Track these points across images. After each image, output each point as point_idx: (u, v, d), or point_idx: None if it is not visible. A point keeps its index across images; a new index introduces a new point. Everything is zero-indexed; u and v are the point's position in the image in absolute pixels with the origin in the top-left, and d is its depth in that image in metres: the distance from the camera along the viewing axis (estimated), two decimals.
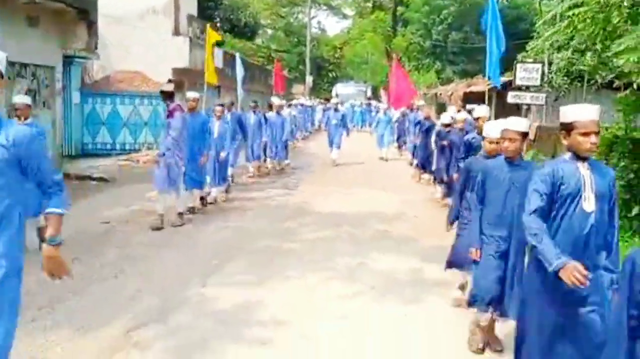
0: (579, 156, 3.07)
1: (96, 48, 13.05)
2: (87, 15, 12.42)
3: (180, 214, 8.01)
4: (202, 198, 9.04)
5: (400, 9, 40.28)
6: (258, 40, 45.34)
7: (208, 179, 9.26)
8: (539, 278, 3.10)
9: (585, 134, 3.00)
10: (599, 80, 9.31)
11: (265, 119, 13.22)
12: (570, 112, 3.09)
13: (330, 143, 15.84)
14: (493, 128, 4.50)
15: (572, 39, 7.00)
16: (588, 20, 6.08)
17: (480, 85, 18.85)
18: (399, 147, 18.22)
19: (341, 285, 5.63)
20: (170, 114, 7.79)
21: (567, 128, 3.07)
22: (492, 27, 9.28)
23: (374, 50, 43.87)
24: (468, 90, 19.46)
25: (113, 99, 16.36)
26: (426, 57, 34.97)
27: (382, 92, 33.60)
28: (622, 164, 7.13)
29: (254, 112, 12.77)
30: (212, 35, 11.42)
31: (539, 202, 3.07)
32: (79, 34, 12.48)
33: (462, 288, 5.06)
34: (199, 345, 4.19)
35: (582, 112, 3.06)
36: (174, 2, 18.62)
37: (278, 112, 13.75)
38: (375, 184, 12.37)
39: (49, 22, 11.75)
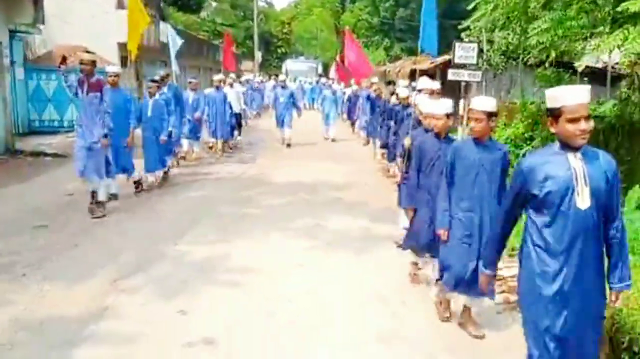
0: (569, 146, 2.72)
1: (43, 22, 13.03)
2: None
3: (101, 203, 7.22)
4: (136, 183, 8.54)
5: None
6: (203, 14, 44.91)
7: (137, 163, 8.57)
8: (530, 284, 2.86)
9: (574, 121, 2.66)
10: (529, 59, 10.21)
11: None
12: (559, 96, 2.72)
13: (280, 123, 15.14)
14: (429, 104, 4.97)
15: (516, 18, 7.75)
16: (511, 5, 6.94)
17: (425, 63, 19.72)
18: (352, 125, 18.19)
19: (300, 241, 6.32)
20: (93, 88, 6.95)
21: (555, 114, 2.71)
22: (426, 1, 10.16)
23: (323, 26, 44.23)
24: (414, 67, 20.31)
25: (57, 74, 16.28)
26: (375, 34, 35.73)
27: (332, 69, 34.12)
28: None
29: (193, 90, 12.16)
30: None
31: (508, 202, 2.96)
32: (26, 8, 12.46)
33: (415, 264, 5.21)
34: (179, 288, 4.83)
35: (570, 95, 2.70)
36: None
37: (217, 88, 13.04)
38: (327, 158, 13.05)
39: None
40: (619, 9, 5.86)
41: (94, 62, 7.21)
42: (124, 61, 17.85)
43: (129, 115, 7.94)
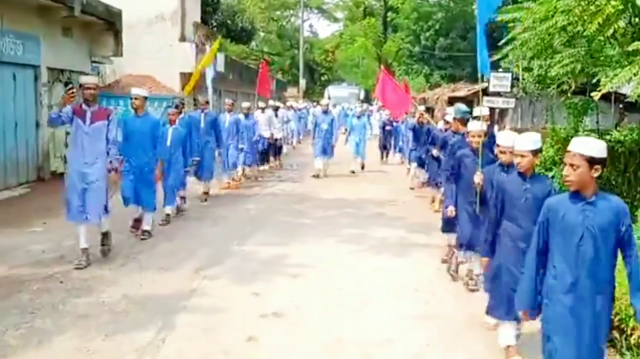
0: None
1: (122, 55, 14.60)
2: (113, 26, 14.01)
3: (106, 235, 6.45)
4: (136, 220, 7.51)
5: (390, 15, 42.02)
6: (252, 44, 46.97)
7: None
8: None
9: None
10: (562, 87, 11.00)
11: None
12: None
13: (322, 151, 13.93)
14: (505, 138, 4.63)
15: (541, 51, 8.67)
16: (538, 41, 7.89)
17: (462, 90, 20.63)
18: (384, 154, 17.96)
19: (347, 246, 7.33)
20: (99, 117, 6.08)
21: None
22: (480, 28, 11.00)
23: (366, 54, 45.56)
24: (452, 94, 21.22)
25: (125, 100, 17.85)
26: (415, 62, 36.70)
27: (374, 95, 35.11)
28: None
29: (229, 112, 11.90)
30: (213, 50, 12.61)
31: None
32: (107, 42, 14.07)
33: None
34: (250, 277, 5.90)
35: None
36: (181, 10, 20.22)
37: (247, 115, 12.66)
38: (366, 180, 14.05)
39: (80, 32, 13.33)
40: (629, 48, 6.74)
41: (97, 86, 6.36)
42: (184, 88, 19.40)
43: (153, 143, 7.29)
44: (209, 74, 13.12)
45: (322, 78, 54.19)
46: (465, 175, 5.48)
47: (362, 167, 15.41)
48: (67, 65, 13.01)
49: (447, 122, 8.72)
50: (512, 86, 13.47)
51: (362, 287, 5.78)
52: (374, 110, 29.63)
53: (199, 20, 22.11)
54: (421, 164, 11.07)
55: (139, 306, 5.09)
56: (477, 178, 4.92)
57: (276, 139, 15.27)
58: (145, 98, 7.35)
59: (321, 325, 4.79)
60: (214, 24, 31.05)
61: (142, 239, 7.26)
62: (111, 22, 13.78)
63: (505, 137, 4.61)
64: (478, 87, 17.69)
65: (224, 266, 6.25)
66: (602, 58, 7.20)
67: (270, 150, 15.39)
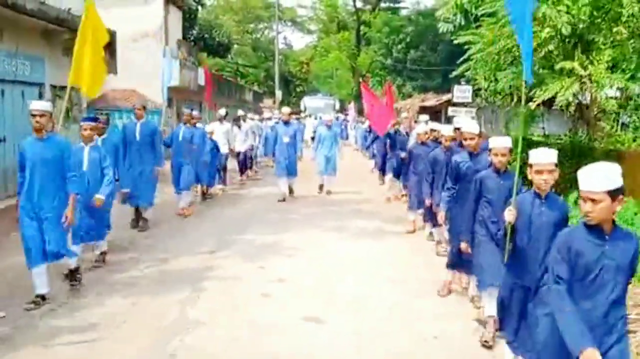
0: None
1: (116, 73, 15.78)
2: (109, 45, 15.20)
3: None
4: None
5: (363, 28, 43.84)
6: (228, 57, 48.27)
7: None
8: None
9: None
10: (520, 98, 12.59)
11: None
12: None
13: (285, 169, 11.81)
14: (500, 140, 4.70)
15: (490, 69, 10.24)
16: (488, 61, 9.51)
17: (431, 100, 22.28)
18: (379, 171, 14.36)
19: (331, 234, 8.73)
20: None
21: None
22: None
23: (340, 66, 47.23)
24: (422, 104, 22.86)
25: (112, 114, 18.88)
26: (388, 74, 38.52)
27: (348, 105, 36.55)
28: None
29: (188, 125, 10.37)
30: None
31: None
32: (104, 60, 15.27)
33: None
34: (255, 256, 7.28)
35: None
36: (164, 29, 21.45)
37: (194, 126, 10.54)
38: (346, 183, 15.41)
39: None
40: (557, 66, 8.34)
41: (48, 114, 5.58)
42: (169, 102, 20.58)
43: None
44: (166, 72, 11.83)
45: (298, 89, 55.71)
46: (490, 201, 4.70)
47: (328, 193, 12.68)
48: (66, 82, 14.11)
49: (432, 131, 8.52)
50: (476, 96, 15.06)
51: (345, 261, 7.20)
52: (351, 119, 30.80)
53: (181, 37, 23.37)
54: (397, 174, 11.11)
55: (172, 276, 6.41)
56: (510, 215, 3.71)
57: (238, 152, 14.54)
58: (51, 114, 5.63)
59: (316, 286, 6.16)
60: (192, 38, 32.26)
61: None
62: (108, 42, 14.98)
63: (501, 140, 4.65)
64: (445, 97, 19.41)
65: (231, 250, 7.60)
66: (537, 75, 8.78)
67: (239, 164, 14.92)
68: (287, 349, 4.58)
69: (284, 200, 11.72)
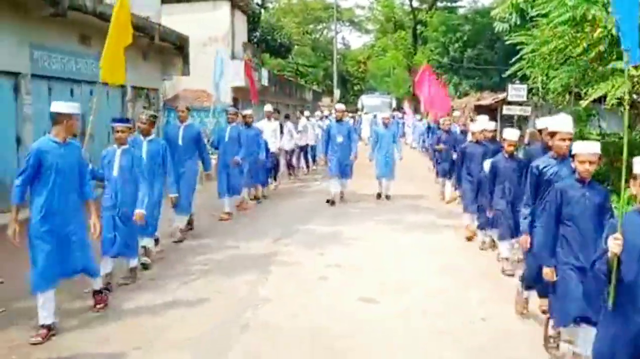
0: None
1: (189, 74, 16.90)
2: (182, 50, 16.30)
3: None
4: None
5: (419, 28, 43.88)
6: (289, 57, 49.43)
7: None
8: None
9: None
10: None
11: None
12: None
13: (338, 170, 11.27)
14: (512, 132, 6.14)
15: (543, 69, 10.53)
16: (539, 61, 9.82)
17: (487, 99, 22.36)
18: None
19: (386, 226, 9.30)
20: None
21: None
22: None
23: (396, 64, 47.45)
24: (477, 103, 22.98)
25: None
26: (444, 72, 38.48)
27: (405, 104, 36.78)
28: None
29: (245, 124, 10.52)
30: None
31: None
32: (176, 63, 16.40)
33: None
34: (315, 244, 7.95)
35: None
36: (231, 33, 22.51)
37: (248, 125, 10.65)
38: (401, 178, 15.86)
39: (155, 55, 15.65)
40: (609, 66, 8.57)
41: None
42: (235, 101, 21.62)
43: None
44: (217, 65, 11.90)
45: (355, 88, 56.34)
46: (572, 217, 4.09)
47: (387, 197, 12.06)
48: (145, 84, 15.32)
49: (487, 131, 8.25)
50: (533, 95, 15.17)
51: (399, 250, 7.79)
52: (408, 117, 30.82)
53: (246, 39, 24.44)
54: (448, 174, 11.38)
55: (243, 260, 7.17)
56: (616, 245, 2.93)
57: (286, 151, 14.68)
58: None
59: (370, 272, 6.75)
60: (255, 40, 33.37)
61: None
62: (181, 47, 16.08)
63: (589, 145, 4.12)
64: (501, 96, 19.48)
65: (293, 239, 8.33)
66: (587, 75, 9.03)
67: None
68: (342, 324, 5.16)
69: (333, 203, 11.12)
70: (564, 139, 4.68)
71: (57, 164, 4.74)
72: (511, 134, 6.63)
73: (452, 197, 11.46)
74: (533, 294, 5.18)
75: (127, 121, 6.19)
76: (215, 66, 12.11)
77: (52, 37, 10.42)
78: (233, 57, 21.97)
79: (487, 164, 7.04)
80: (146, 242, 6.76)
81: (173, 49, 16.00)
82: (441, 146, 11.64)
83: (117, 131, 5.88)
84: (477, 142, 8.35)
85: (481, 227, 7.63)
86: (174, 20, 17.13)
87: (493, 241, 7.47)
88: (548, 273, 4.22)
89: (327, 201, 11.26)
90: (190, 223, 8.60)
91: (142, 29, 13.08)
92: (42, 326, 4.65)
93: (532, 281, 4.87)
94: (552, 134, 4.87)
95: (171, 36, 15.07)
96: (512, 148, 6.52)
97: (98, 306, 5.33)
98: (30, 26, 9.69)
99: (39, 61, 10.01)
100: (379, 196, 12.10)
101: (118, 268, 6.19)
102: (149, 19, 13.30)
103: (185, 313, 5.36)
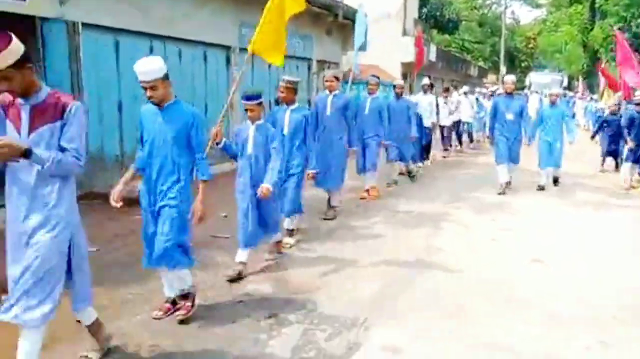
0: None
1: (366, 49, 18.01)
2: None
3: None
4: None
5: (598, 0, 40.74)
6: (456, 34, 48.77)
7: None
8: None
9: None
10: None
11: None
12: None
13: (506, 154, 9.89)
14: None
15: None
16: None
17: None
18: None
19: (554, 199, 9.63)
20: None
21: None
22: None
23: (570, 40, 44.66)
24: None
25: (357, 86, 21.28)
26: None
27: (578, 83, 34.77)
28: None
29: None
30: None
31: None
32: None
33: None
34: (486, 211, 8.64)
35: None
36: (403, 9, 23.21)
37: (398, 96, 10.22)
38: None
39: (337, 32, 16.96)
40: None
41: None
42: (404, 76, 22.46)
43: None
44: (357, 44, 11.54)
45: (522, 64, 54.11)
46: None
47: (555, 182, 10.94)
48: (327, 58, 16.73)
49: None
50: None
51: (566, 219, 8.16)
52: (579, 97, 29.28)
53: (417, 16, 25.01)
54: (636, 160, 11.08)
55: (418, 216, 8.07)
56: None
57: (443, 126, 14.81)
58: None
59: (540, 237, 7.24)
60: (423, 16, 33.65)
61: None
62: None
63: None
64: None
65: (463, 204, 9.08)
66: None
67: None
68: (510, 279, 5.64)
69: (503, 193, 9.86)
70: None
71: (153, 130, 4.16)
72: None
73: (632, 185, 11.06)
74: None
75: (257, 97, 5.31)
76: (355, 39, 11.64)
77: (257, 16, 11.97)
78: (404, 33, 22.67)
79: None
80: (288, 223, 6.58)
81: (353, 26, 17.15)
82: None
83: (247, 109, 5.30)
84: None
85: None
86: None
87: None
88: None
89: (498, 193, 9.87)
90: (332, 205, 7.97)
91: (328, 7, 14.39)
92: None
93: None
94: None
95: (351, 13, 16.21)
96: None
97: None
98: (242, 8, 11.42)
99: (245, 36, 11.65)
100: (541, 188, 10.40)
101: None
102: None
103: (364, 257, 6.30)
